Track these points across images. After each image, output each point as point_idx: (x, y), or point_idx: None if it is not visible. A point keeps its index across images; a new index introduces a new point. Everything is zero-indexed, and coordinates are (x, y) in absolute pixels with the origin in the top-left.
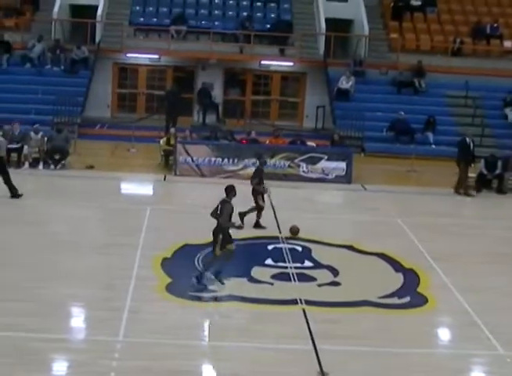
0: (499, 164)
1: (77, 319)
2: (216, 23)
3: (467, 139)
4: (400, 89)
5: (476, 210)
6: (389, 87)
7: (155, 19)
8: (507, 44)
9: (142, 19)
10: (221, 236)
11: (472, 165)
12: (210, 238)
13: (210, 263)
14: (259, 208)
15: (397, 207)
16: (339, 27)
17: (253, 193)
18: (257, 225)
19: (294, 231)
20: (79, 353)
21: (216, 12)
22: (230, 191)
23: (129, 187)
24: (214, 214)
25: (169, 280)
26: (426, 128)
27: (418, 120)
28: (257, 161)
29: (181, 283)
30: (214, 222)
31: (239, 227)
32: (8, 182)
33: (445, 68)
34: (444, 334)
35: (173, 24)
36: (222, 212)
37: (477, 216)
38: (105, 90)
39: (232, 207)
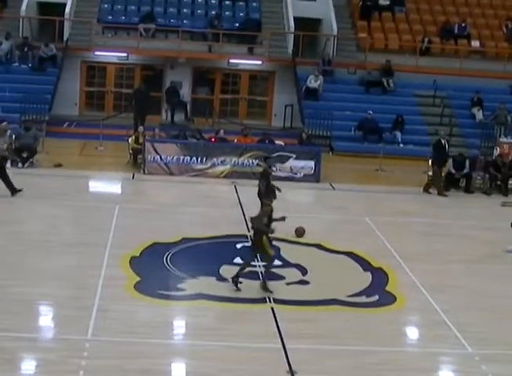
0: (467, 163)
1: (46, 318)
2: (185, 21)
3: (443, 141)
4: (368, 89)
5: (444, 209)
6: (357, 86)
7: (123, 18)
8: (475, 44)
9: (110, 17)
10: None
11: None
12: (178, 236)
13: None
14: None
15: (365, 206)
16: (307, 26)
17: (259, 195)
18: None
19: (300, 233)
20: (48, 352)
21: (185, 10)
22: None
23: (98, 186)
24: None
25: (138, 278)
26: (394, 127)
27: (386, 119)
28: (262, 163)
29: (149, 281)
30: (180, 220)
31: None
32: None
33: (414, 68)
34: (412, 333)
35: (142, 22)
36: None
37: (446, 215)
38: (73, 88)
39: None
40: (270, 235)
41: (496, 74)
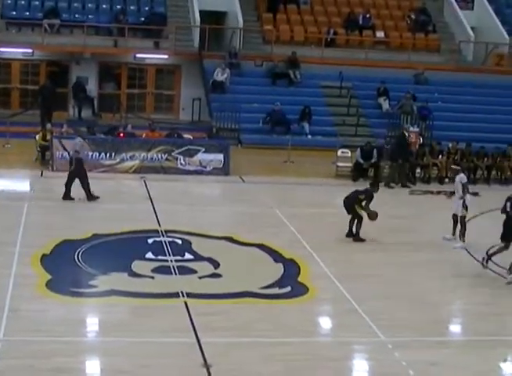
0: (375, 153)
1: None
2: (90, 16)
3: (406, 134)
4: (275, 81)
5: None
6: (264, 78)
7: (27, 13)
8: (379, 34)
9: (14, 12)
10: None
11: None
12: (88, 233)
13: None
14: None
15: (275, 198)
16: (213, 19)
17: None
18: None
19: (373, 216)
20: None
21: (89, 5)
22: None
23: (6, 183)
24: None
25: (49, 276)
26: (301, 118)
27: (294, 110)
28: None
29: (61, 279)
30: (91, 216)
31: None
32: None
33: (319, 59)
34: (325, 323)
35: (46, 18)
36: None
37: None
38: None
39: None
40: None
41: (401, 64)
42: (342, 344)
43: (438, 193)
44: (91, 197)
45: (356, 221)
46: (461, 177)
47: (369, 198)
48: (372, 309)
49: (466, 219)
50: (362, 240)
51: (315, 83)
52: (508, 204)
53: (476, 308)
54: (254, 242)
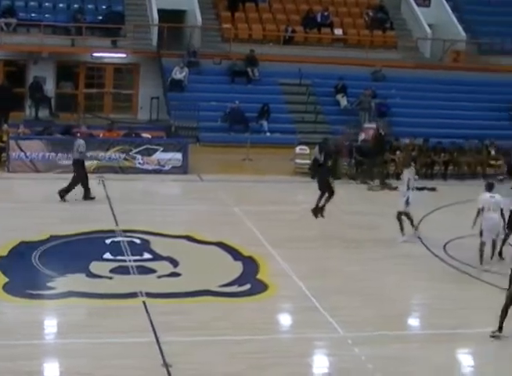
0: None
1: None
2: (47, 15)
3: (382, 132)
4: (234, 79)
5: (312, 196)
6: (223, 77)
7: None
8: (337, 32)
9: None
10: None
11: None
12: (46, 234)
13: None
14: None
15: (234, 196)
16: (172, 17)
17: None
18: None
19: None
20: None
21: (46, 4)
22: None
23: None
24: None
25: (6, 279)
26: (260, 116)
27: (252, 108)
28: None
29: (18, 281)
30: (48, 217)
31: None
32: None
33: (278, 57)
34: (285, 320)
35: (2, 17)
36: None
37: (314, 202)
38: None
39: None
40: None
41: (359, 61)
42: (302, 340)
43: (395, 188)
44: (88, 196)
45: (327, 195)
46: (408, 172)
47: (329, 156)
48: (331, 305)
49: (421, 214)
50: (322, 215)
51: (274, 81)
52: None
53: (435, 302)
54: (212, 240)
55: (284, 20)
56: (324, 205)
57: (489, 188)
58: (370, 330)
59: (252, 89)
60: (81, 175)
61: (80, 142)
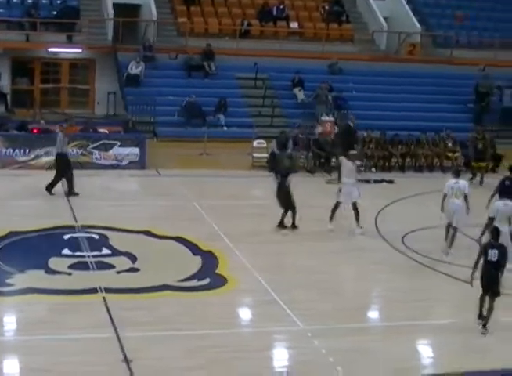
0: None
1: None
2: (0, 10)
3: (352, 125)
4: (190, 73)
5: (270, 190)
6: (179, 71)
7: None
8: (293, 25)
9: None
10: None
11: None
12: (4, 230)
13: None
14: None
15: (192, 191)
16: (127, 12)
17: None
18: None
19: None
20: None
21: None
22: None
23: None
24: None
25: None
26: (217, 110)
27: (209, 102)
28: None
29: None
30: (6, 214)
31: None
32: None
33: (234, 50)
34: (245, 314)
35: None
36: None
37: (272, 196)
38: None
39: None
40: None
41: (315, 54)
42: (262, 334)
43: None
44: (72, 192)
45: (291, 213)
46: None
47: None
48: (291, 299)
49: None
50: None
51: (231, 75)
52: None
53: (394, 294)
54: (171, 235)
55: (240, 14)
56: (294, 222)
57: (456, 175)
58: (330, 323)
59: (209, 83)
60: (65, 169)
61: (60, 137)
